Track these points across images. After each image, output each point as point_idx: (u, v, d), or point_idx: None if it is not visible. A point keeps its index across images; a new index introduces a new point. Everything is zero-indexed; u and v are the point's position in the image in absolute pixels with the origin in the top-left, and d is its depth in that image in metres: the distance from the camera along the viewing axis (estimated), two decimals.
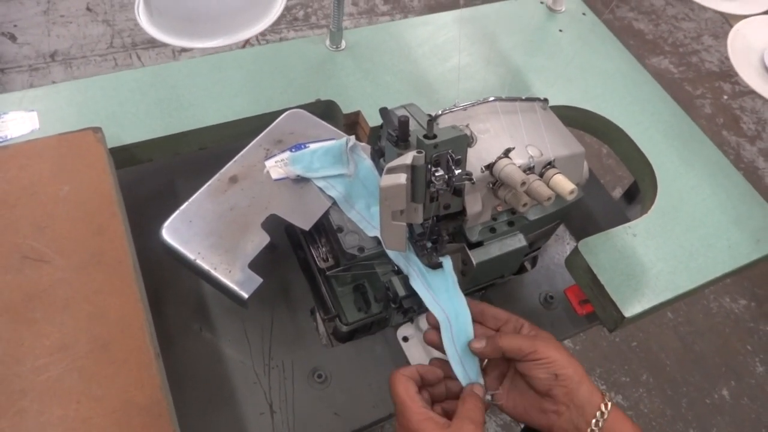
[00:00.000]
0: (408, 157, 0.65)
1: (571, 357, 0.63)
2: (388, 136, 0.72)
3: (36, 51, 2.45)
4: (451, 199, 0.72)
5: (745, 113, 2.75)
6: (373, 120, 0.93)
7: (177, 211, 0.77)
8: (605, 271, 0.81)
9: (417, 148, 0.66)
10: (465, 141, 0.68)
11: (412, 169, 0.65)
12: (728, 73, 2.93)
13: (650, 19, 3.17)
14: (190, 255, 0.74)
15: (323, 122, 0.90)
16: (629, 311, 0.78)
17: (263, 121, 0.90)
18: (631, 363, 1.86)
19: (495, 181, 0.75)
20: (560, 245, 1.03)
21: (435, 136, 0.66)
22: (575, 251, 0.84)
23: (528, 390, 0.65)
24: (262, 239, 0.76)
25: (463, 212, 0.75)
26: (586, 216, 1.05)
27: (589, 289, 0.83)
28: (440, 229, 0.75)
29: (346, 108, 0.95)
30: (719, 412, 1.79)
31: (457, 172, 0.67)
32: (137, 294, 0.69)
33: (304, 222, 0.79)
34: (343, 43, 1.03)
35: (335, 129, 0.89)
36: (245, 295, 0.72)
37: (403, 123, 0.68)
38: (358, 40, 1.05)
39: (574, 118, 1.02)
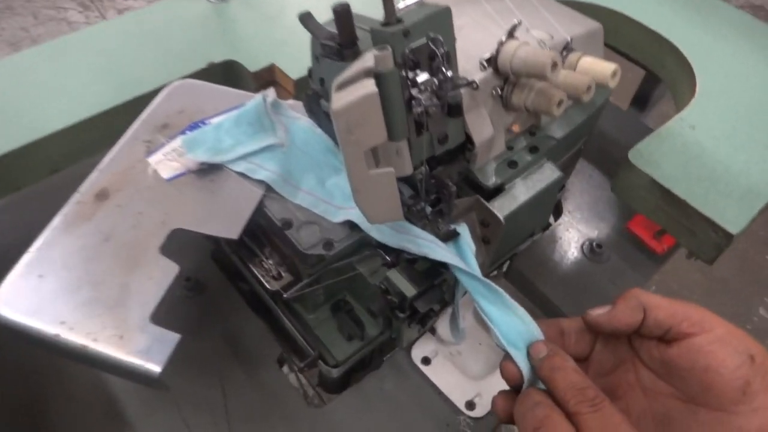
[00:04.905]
0: (367, 58, 0.37)
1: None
2: (323, 49, 0.44)
3: None
4: (447, 124, 0.45)
5: None
6: (295, 69, 0.66)
7: (14, 268, 0.46)
8: (678, 181, 0.56)
9: (377, 44, 0.39)
10: (449, 19, 0.42)
11: (377, 81, 0.37)
12: None
13: None
14: (49, 329, 0.43)
15: (223, 87, 0.61)
16: (735, 225, 0.53)
17: (137, 107, 0.60)
18: None
19: (505, 82, 0.48)
20: (581, 183, 0.77)
21: (400, 20, 0.40)
22: (626, 167, 0.59)
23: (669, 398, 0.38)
24: (166, 271, 0.47)
25: (467, 144, 0.48)
26: (600, 138, 0.81)
27: (663, 213, 0.58)
28: (441, 179, 0.47)
29: (254, 65, 0.67)
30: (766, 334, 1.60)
31: (449, 73, 0.41)
32: None
33: (228, 228, 0.50)
34: None
35: (243, 92, 0.61)
36: (156, 369, 0.42)
37: (343, 13, 0.41)
38: None
39: None
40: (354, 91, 0.35)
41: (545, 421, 0.33)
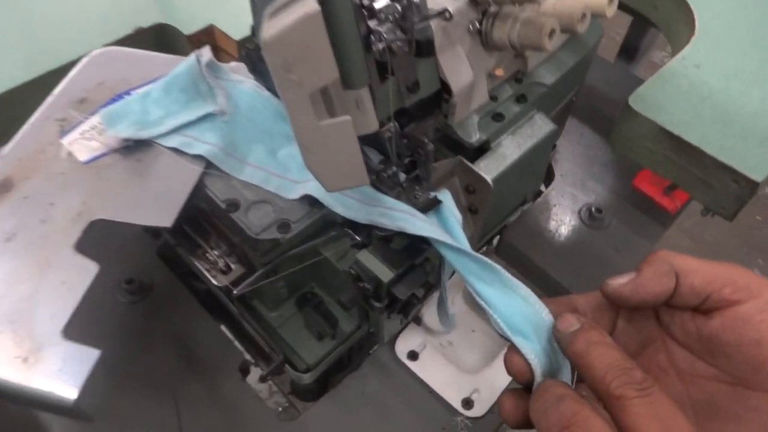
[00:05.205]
0: None
1: None
2: None
3: None
4: (417, 66, 0.36)
5: None
6: (238, 29, 0.57)
7: None
8: (688, 126, 0.48)
9: None
10: None
11: (324, 9, 0.29)
12: None
13: None
14: None
15: (152, 53, 0.52)
16: (758, 171, 0.46)
17: (52, 83, 0.51)
18: None
19: (483, 14, 0.40)
20: (572, 144, 0.70)
21: None
22: (626, 117, 0.51)
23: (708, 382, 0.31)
24: (82, 272, 0.38)
25: (443, 93, 0.40)
26: (589, 93, 0.73)
27: (673, 166, 0.50)
28: (415, 137, 0.39)
29: (189, 27, 0.57)
30: None
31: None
32: None
33: (160, 215, 0.41)
34: None
35: (176, 57, 0.51)
36: (70, 395, 0.33)
37: None
38: None
39: None
40: (290, 15, 0.27)
41: (575, 419, 0.26)
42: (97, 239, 0.42)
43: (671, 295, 0.30)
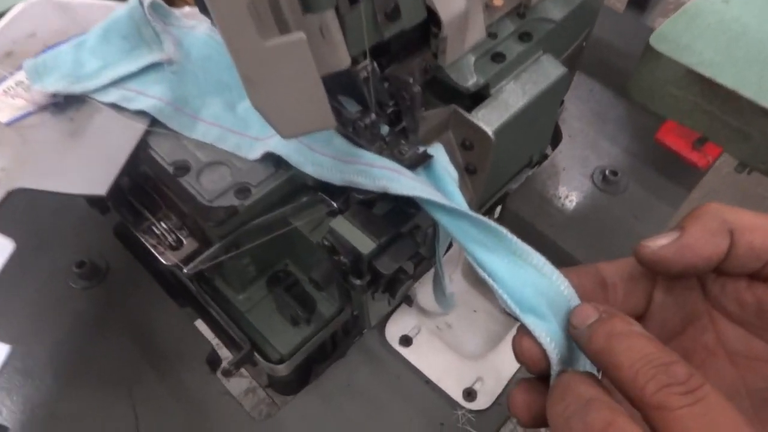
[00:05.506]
0: None
1: None
2: None
3: None
4: None
5: None
6: None
7: None
8: (721, 67, 0.41)
9: None
10: None
11: None
12: None
13: None
14: None
15: (94, 1, 0.45)
16: None
17: None
18: None
19: None
20: (581, 101, 0.63)
21: None
22: (647, 59, 0.44)
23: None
24: None
25: (431, 24, 0.33)
26: (597, 46, 0.66)
27: (703, 115, 0.43)
28: (398, 78, 0.32)
29: None
30: None
31: None
32: None
33: (93, 182, 0.34)
34: None
35: (120, 4, 0.44)
36: None
37: None
38: None
39: None
40: None
41: (608, 431, 0.19)
42: (39, 215, 0.36)
43: (723, 259, 0.24)
